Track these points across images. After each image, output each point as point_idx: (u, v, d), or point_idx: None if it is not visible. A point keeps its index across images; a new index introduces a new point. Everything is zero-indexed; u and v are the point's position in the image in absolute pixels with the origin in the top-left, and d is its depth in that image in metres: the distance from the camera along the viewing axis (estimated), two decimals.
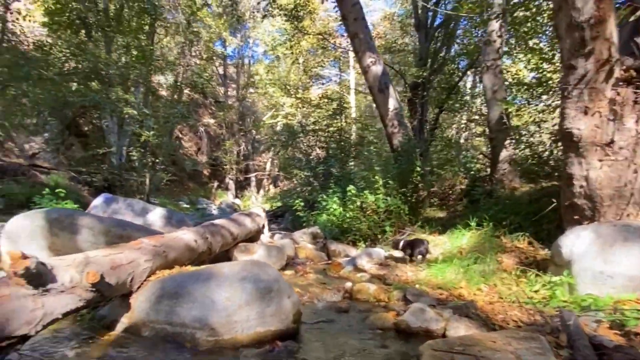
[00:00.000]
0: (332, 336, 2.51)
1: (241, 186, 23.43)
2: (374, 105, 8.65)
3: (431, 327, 2.44)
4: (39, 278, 1.82)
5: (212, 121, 22.90)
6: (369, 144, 9.88)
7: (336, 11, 10.35)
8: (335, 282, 3.84)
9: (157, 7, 11.55)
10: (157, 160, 11.08)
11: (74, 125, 15.44)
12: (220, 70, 22.23)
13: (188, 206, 16.15)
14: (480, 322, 2.41)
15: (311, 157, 11.84)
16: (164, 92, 16.36)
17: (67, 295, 1.98)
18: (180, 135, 20.96)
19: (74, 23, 11.06)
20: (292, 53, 13.40)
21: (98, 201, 6.92)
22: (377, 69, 7.33)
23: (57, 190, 6.33)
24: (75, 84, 10.52)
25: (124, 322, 2.39)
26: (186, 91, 17.52)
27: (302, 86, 15.52)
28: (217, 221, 4.36)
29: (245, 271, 2.43)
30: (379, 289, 3.36)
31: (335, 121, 11.15)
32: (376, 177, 5.34)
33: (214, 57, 19.36)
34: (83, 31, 11.30)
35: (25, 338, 1.79)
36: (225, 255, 4.27)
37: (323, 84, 17.62)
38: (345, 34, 10.87)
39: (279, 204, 14.48)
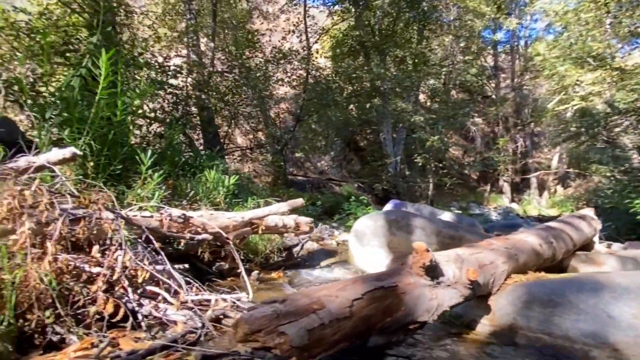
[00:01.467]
0: None
1: (517, 189, 21.58)
2: None
3: None
4: (433, 271, 2.06)
5: (479, 120, 22.23)
6: None
7: None
8: None
9: (425, 13, 12.25)
10: (440, 165, 11.61)
11: (352, 142, 18.30)
12: (490, 62, 21.33)
13: (460, 212, 16.15)
14: None
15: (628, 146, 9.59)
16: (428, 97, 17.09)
17: (451, 289, 2.16)
18: (446, 139, 21.29)
19: (354, 49, 13.06)
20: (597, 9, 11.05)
21: (389, 206, 7.74)
22: None
23: (361, 198, 7.59)
24: (357, 103, 12.37)
25: (484, 323, 2.46)
26: (452, 92, 17.76)
27: (609, 54, 12.66)
28: (552, 224, 4.02)
29: None
30: None
31: None
32: None
33: (484, 48, 18.84)
34: (361, 55, 13.18)
35: (423, 325, 2.07)
36: (556, 266, 3.87)
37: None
38: None
39: (572, 208, 12.42)
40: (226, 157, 11.89)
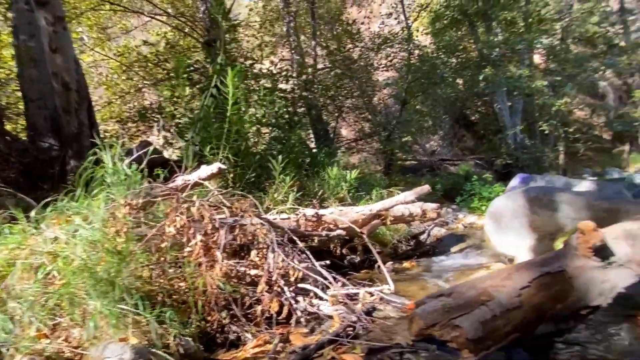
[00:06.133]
0: None
1: None
2: None
3: None
4: (602, 251, 1.81)
5: (608, 72, 19.00)
6: None
7: None
8: None
9: None
10: (570, 130, 10.28)
11: (462, 117, 17.09)
12: (614, 5, 18.10)
13: (595, 178, 14.06)
14: None
15: None
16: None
17: (624, 269, 1.89)
18: (568, 100, 18.54)
19: (456, 20, 12.13)
20: None
21: (515, 181, 7.03)
22: None
23: (485, 176, 7.05)
24: (466, 76, 11.47)
25: None
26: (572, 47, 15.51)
27: None
28: None
29: None
30: None
31: None
32: None
33: None
34: (465, 26, 12.17)
35: (595, 309, 1.83)
36: None
37: None
38: None
39: None
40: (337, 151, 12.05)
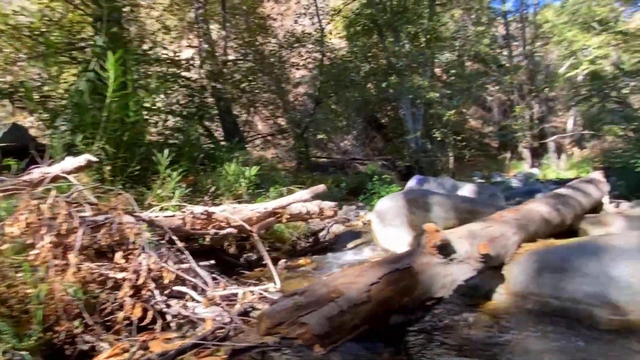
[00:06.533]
0: None
1: (536, 154, 20.85)
2: None
3: None
4: (445, 249, 2.02)
5: (495, 88, 21.41)
6: None
7: None
8: None
9: None
10: (459, 138, 11.34)
11: (374, 120, 17.93)
12: (501, 31, 20.48)
13: (483, 181, 15.73)
14: None
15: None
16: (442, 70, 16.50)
17: (464, 264, 2.14)
18: (464, 110, 20.44)
19: (367, 27, 12.64)
20: None
21: (412, 182, 7.57)
22: None
23: (383, 177, 7.44)
24: (375, 82, 12.01)
25: (500, 292, 2.47)
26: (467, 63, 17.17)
27: (613, 18, 12.12)
28: (561, 191, 3.90)
29: None
30: None
31: None
32: None
33: (494, 19, 18.14)
34: (375, 34, 12.75)
35: (440, 300, 2.03)
36: (568, 230, 3.75)
37: None
38: None
39: (589, 169, 12.11)
40: (248, 145, 11.82)
